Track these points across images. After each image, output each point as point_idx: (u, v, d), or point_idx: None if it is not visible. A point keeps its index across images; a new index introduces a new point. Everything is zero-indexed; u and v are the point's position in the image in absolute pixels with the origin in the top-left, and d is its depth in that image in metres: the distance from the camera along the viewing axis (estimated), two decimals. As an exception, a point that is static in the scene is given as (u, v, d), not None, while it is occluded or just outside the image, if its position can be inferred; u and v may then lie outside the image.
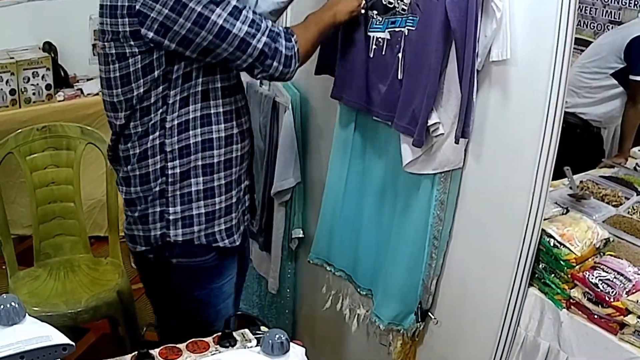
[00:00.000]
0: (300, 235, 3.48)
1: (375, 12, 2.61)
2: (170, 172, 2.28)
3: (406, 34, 2.47)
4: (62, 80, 4.84)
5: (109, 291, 3.36)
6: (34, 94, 4.55)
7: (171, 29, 2.07)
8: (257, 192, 3.40)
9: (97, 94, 4.75)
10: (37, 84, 4.55)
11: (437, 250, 2.67)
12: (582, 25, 5.43)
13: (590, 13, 5.56)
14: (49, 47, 4.86)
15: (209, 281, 2.48)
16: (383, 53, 2.60)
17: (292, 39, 2.29)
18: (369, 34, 2.65)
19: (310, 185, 3.46)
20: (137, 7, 2.05)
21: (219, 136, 2.32)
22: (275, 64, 2.24)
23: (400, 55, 2.51)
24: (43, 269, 3.48)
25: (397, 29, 2.53)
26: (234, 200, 2.44)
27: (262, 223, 3.65)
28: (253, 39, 2.16)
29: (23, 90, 4.53)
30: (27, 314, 1.57)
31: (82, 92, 4.82)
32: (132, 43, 2.13)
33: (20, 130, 3.41)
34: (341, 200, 2.98)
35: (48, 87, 4.61)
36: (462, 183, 2.58)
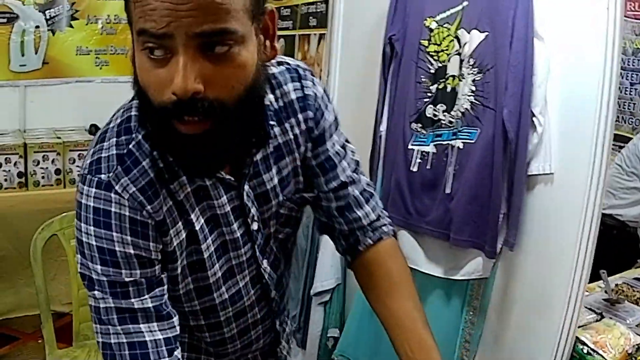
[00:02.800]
0: (336, 335, 3.49)
1: (419, 125, 2.68)
2: None
3: (460, 147, 2.52)
4: (106, 164, 4.93)
5: (147, 377, 3.33)
6: (78, 175, 4.59)
7: None
8: (297, 290, 3.45)
9: (140, 181, 4.83)
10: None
11: (468, 353, 2.68)
12: (620, 120, 5.36)
13: (628, 108, 5.50)
14: (95, 130, 4.96)
15: None
16: (429, 167, 2.66)
17: None
18: (411, 147, 2.71)
19: (350, 286, 3.49)
20: None
21: None
22: None
23: (451, 169, 2.56)
24: (81, 350, 3.49)
25: (444, 142, 2.59)
26: None
27: (300, 320, 3.68)
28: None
29: (68, 171, 4.61)
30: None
31: (126, 178, 4.86)
32: None
33: (65, 214, 3.46)
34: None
35: (93, 170, 4.66)
36: (495, 288, 2.61)
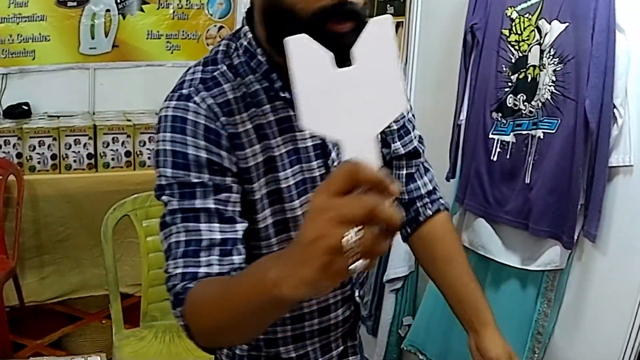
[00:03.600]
0: (411, 322, 3.48)
1: (499, 114, 2.67)
2: None
3: (541, 137, 2.51)
4: (176, 148, 4.98)
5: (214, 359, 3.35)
6: (149, 158, 4.72)
7: None
8: (370, 276, 3.46)
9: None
10: (153, 149, 4.63)
11: (540, 345, 2.68)
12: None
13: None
14: (165, 114, 5.03)
15: None
16: (508, 156, 2.65)
17: (177, 310, 1.39)
18: (492, 136, 2.71)
19: (422, 275, 3.47)
20: None
21: None
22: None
23: (530, 158, 2.55)
24: (149, 331, 3.53)
25: (524, 132, 2.59)
26: None
27: (372, 307, 3.71)
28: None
29: (138, 153, 4.70)
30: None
31: (195, 160, 4.91)
32: None
33: (137, 195, 3.50)
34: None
35: (163, 154, 4.72)
36: (570, 280, 2.61)
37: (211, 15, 5.39)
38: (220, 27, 5.45)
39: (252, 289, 1.15)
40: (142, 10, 5.15)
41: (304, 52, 1.02)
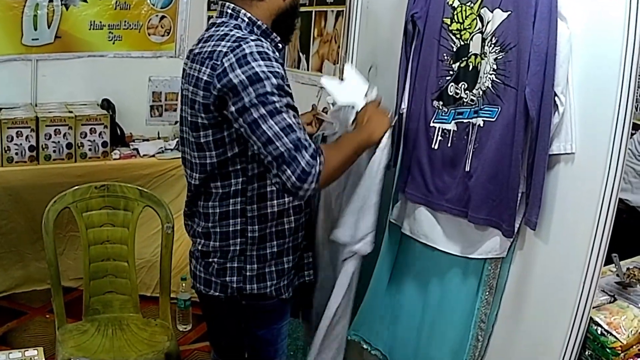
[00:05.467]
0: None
1: (440, 102, 2.67)
2: (249, 234, 2.49)
3: (481, 125, 2.50)
4: (118, 138, 4.98)
5: (158, 352, 3.34)
6: (90, 150, 4.67)
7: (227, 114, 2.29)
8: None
9: (153, 156, 4.92)
10: (94, 141, 4.67)
11: (483, 333, 2.68)
12: (637, 110, 5.35)
13: (641, 96, 5.48)
14: (107, 105, 4.99)
15: (272, 322, 2.68)
16: (449, 145, 2.65)
17: (318, 159, 2.22)
18: (433, 124, 2.70)
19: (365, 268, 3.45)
20: (213, 84, 2.26)
21: (291, 206, 2.54)
22: (289, 173, 2.18)
23: (471, 147, 2.55)
24: (91, 324, 3.50)
25: (465, 120, 2.58)
26: (297, 260, 2.67)
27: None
28: (278, 141, 2.19)
29: (80, 145, 4.64)
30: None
31: (137, 152, 4.94)
32: (209, 115, 2.32)
33: (78, 187, 3.47)
34: (385, 280, 3.03)
35: (104, 144, 4.73)
36: (512, 268, 2.60)
37: (153, 5, 5.34)
38: (162, 17, 5.41)
39: (362, 144, 2.53)
40: (85, 0, 5.07)
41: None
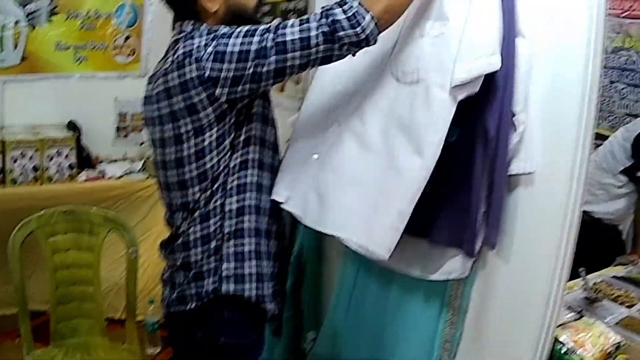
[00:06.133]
0: (315, 337, 3.41)
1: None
2: (226, 229, 2.40)
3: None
4: (84, 160, 4.93)
5: (126, 377, 3.32)
6: (56, 172, 4.63)
7: (242, 77, 2.21)
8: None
9: (119, 178, 4.88)
10: (60, 163, 4.63)
11: (448, 353, 2.66)
12: (599, 119, 5.36)
13: (607, 107, 5.52)
14: (73, 126, 4.95)
15: (251, 331, 2.57)
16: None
17: (347, 2, 2.16)
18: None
19: (326, 285, 3.42)
20: (207, 74, 2.19)
21: (267, 206, 2.48)
22: (342, 34, 2.14)
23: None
24: (59, 350, 3.48)
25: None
26: (279, 268, 2.58)
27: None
28: (309, 32, 2.17)
29: (46, 168, 4.60)
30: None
31: (104, 175, 4.90)
32: (209, 111, 2.25)
33: (43, 212, 3.45)
34: (345, 303, 3.00)
35: (71, 167, 4.69)
36: (475, 288, 2.58)
37: (119, 25, 5.32)
38: (128, 37, 5.38)
39: None
40: (51, 21, 5.05)
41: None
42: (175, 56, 2.27)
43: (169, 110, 2.30)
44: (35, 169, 4.56)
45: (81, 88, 5.18)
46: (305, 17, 2.23)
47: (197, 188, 2.37)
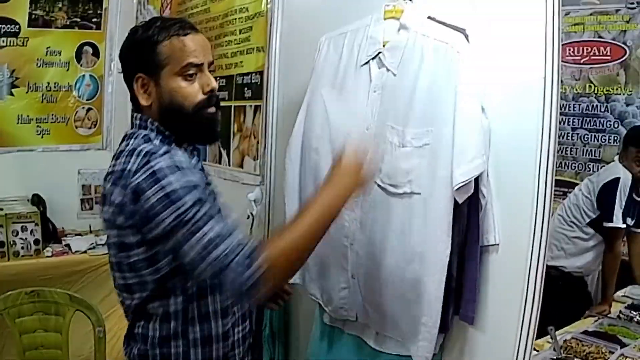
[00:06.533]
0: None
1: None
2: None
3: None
4: (50, 234, 4.92)
5: None
6: (22, 247, 4.59)
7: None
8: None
9: (85, 252, 4.85)
10: (26, 239, 4.60)
11: None
12: (563, 166, 5.37)
13: (571, 153, 5.54)
14: (37, 200, 4.94)
15: None
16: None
17: (253, 259, 1.96)
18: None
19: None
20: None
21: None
22: (226, 286, 2.00)
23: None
24: None
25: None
26: None
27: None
28: (203, 261, 1.99)
29: (12, 243, 4.57)
30: None
31: (70, 249, 4.88)
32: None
33: (9, 293, 3.43)
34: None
35: (36, 242, 4.65)
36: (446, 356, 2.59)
37: (79, 97, 5.37)
38: (89, 109, 5.43)
39: (328, 203, 2.07)
40: (12, 94, 5.07)
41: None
42: (117, 167, 2.11)
43: (110, 218, 2.15)
44: (1, 244, 4.52)
45: (44, 161, 5.19)
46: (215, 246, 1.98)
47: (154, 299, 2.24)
